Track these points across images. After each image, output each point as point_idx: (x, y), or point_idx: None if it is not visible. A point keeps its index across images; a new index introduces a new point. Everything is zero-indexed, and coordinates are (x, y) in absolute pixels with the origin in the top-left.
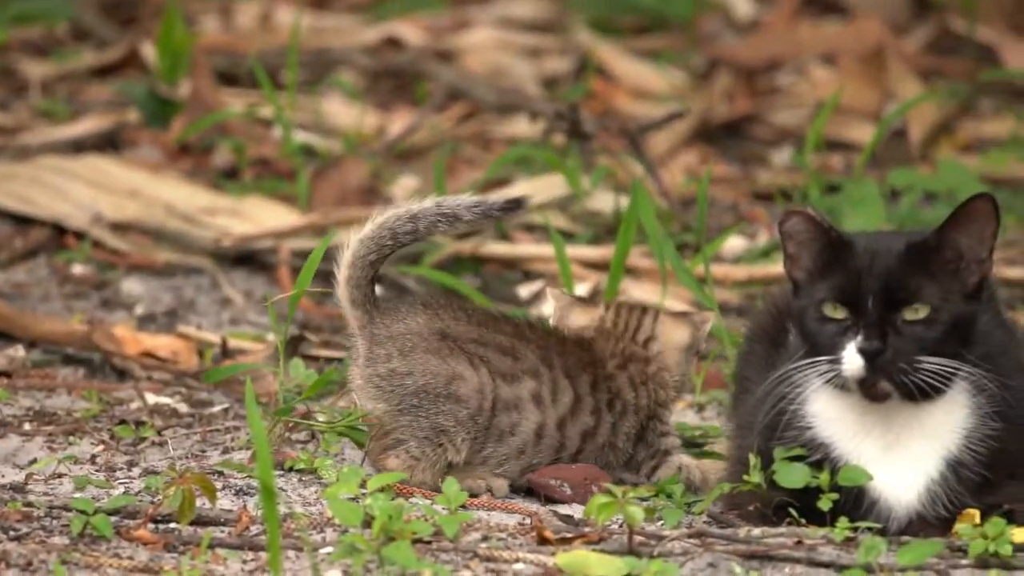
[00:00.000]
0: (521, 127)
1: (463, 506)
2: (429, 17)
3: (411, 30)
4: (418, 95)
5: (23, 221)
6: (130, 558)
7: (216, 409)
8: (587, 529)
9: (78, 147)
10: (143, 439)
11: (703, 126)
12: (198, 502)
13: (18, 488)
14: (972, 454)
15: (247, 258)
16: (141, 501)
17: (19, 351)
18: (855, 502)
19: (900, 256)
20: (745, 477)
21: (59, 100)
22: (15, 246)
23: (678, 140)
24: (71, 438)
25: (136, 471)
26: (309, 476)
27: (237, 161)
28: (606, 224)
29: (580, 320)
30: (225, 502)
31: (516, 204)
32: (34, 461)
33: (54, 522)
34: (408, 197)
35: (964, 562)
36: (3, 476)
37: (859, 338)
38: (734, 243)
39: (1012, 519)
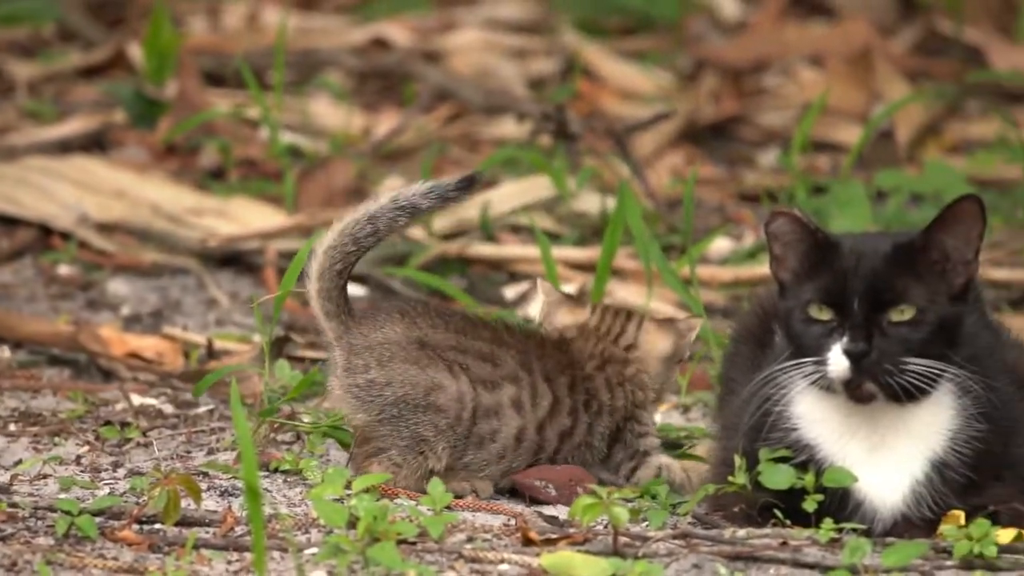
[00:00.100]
0: (508, 128)
1: (448, 507)
2: (416, 18)
3: (398, 31)
4: (405, 96)
5: (9, 222)
6: (115, 559)
7: (201, 410)
8: (572, 530)
9: (64, 147)
10: (128, 440)
11: (689, 127)
12: (183, 503)
13: (3, 489)
14: (957, 455)
15: (233, 259)
16: (126, 502)
17: (4, 352)
18: (840, 503)
19: (886, 257)
20: (730, 478)
21: (45, 101)
22: (1, 247)
23: (664, 141)
24: (56, 439)
25: (121, 472)
26: (294, 477)
27: (223, 162)
28: (592, 225)
29: (565, 320)
30: (210, 503)
31: (469, 182)
32: (19, 462)
33: (39, 523)
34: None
35: (949, 563)
36: None
37: (844, 339)
38: (720, 244)
39: (997, 520)
